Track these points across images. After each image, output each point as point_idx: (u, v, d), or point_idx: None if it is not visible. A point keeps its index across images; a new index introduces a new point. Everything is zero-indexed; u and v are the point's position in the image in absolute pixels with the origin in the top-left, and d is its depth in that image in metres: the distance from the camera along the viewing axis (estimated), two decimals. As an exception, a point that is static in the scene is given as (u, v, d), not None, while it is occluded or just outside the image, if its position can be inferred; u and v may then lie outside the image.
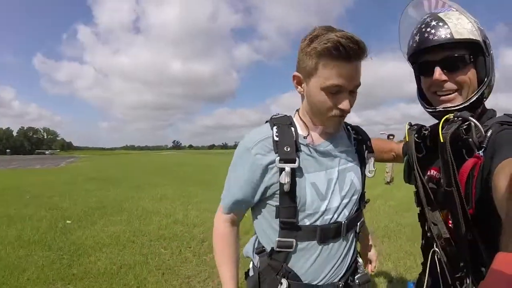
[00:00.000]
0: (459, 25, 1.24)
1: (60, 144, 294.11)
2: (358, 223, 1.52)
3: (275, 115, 1.47)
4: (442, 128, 1.22)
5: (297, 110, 1.49)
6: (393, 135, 16.54)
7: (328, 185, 1.38)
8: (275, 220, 1.38)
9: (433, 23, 1.28)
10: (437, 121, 1.31)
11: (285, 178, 1.26)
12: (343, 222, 1.40)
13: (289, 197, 1.31)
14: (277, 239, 1.36)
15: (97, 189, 13.49)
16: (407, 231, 6.83)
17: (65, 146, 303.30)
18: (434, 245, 1.33)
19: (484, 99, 1.32)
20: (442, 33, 1.24)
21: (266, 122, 1.47)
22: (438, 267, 1.33)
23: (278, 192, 1.34)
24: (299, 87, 1.39)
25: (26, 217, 8.06)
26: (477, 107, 1.31)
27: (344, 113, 1.32)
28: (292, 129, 1.37)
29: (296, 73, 1.36)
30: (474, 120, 1.18)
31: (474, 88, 1.28)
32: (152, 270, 4.73)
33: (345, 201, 1.42)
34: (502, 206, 0.87)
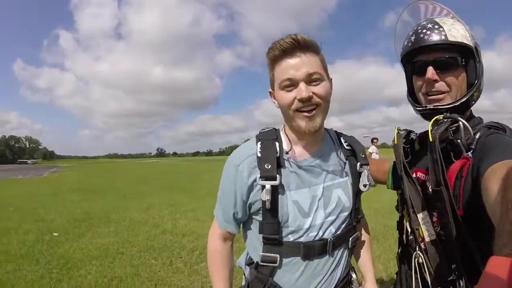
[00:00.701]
0: (453, 29, 1.29)
1: (42, 153, 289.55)
2: (350, 239, 1.50)
3: (263, 130, 1.48)
4: (432, 128, 1.24)
5: (284, 124, 1.49)
6: (376, 138, 16.80)
7: (311, 202, 1.37)
8: (259, 235, 1.39)
9: (429, 25, 1.33)
10: (425, 129, 1.35)
11: (265, 196, 1.27)
12: (329, 239, 1.39)
13: (271, 214, 1.33)
14: (260, 253, 1.38)
15: (82, 199, 13.34)
16: (394, 232, 6.82)
17: (47, 155, 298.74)
18: (417, 248, 1.34)
19: (473, 102, 1.35)
20: (437, 35, 1.29)
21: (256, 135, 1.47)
22: (418, 273, 1.35)
23: (261, 208, 1.35)
24: (275, 101, 1.42)
25: (11, 230, 7.93)
26: (465, 109, 1.34)
27: (304, 101, 1.27)
28: (277, 144, 1.38)
29: (269, 89, 1.45)
30: (464, 121, 1.21)
31: (464, 91, 1.32)
32: (144, 282, 4.70)
33: (331, 218, 1.41)
34: (493, 210, 0.88)
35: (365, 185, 1.47)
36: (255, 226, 1.43)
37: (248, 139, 1.53)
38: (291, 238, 1.36)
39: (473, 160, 1.15)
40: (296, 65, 1.26)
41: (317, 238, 1.37)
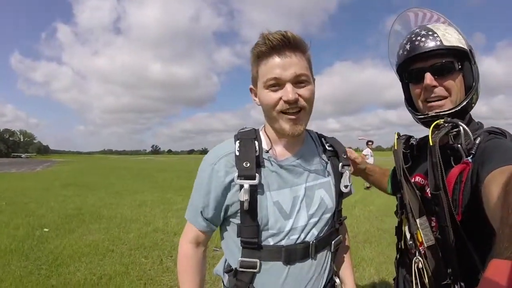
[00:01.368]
0: (447, 34, 1.30)
1: (36, 147, 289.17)
2: (333, 242, 1.45)
3: (242, 129, 1.42)
4: (432, 133, 1.24)
5: (264, 124, 1.45)
6: (371, 141, 16.88)
7: (293, 204, 1.32)
8: (238, 239, 1.33)
9: (423, 32, 1.33)
10: (424, 134, 1.38)
11: (243, 196, 1.21)
12: (311, 242, 1.34)
13: (250, 216, 1.27)
14: (239, 259, 1.32)
15: (74, 195, 13.29)
16: (387, 236, 6.95)
17: (42, 150, 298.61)
18: (416, 254, 1.34)
19: (473, 105, 1.34)
20: (432, 41, 1.29)
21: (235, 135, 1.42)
22: (418, 278, 1.34)
23: (239, 210, 1.29)
24: (256, 99, 1.38)
25: (2, 224, 7.91)
26: (465, 114, 1.34)
27: (290, 104, 1.24)
28: (256, 143, 1.33)
29: (251, 86, 1.40)
30: (464, 126, 1.21)
31: (463, 94, 1.32)
32: (134, 281, 4.68)
33: (313, 220, 1.35)
34: (494, 215, 0.88)
35: (346, 186, 1.44)
36: (232, 230, 1.37)
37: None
38: (271, 241, 1.30)
39: (473, 165, 1.15)
40: (284, 65, 1.22)
41: (299, 241, 1.32)
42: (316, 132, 1.59)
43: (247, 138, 1.35)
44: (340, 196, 1.47)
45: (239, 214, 1.30)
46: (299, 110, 1.27)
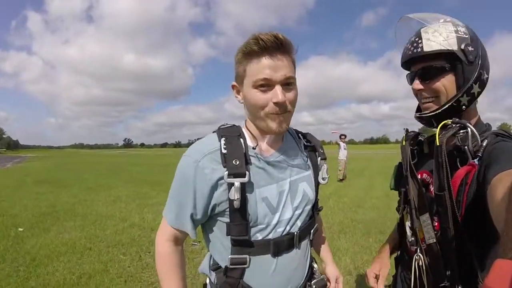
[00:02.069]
0: (432, 38, 1.31)
1: (6, 142, 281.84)
2: (312, 231, 1.52)
3: (223, 125, 1.42)
4: (440, 133, 1.27)
5: (246, 121, 1.46)
6: (344, 135, 17.05)
7: (279, 198, 1.35)
8: (227, 237, 1.33)
9: (412, 39, 1.38)
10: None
11: (234, 194, 1.21)
12: (295, 233, 1.39)
13: (240, 214, 1.27)
14: (229, 256, 1.32)
15: (47, 192, 13.03)
16: (361, 226, 7.18)
17: (11, 145, 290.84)
18: (417, 251, 1.37)
19: (464, 107, 1.32)
20: (416, 48, 1.34)
21: (213, 132, 1.42)
22: (417, 275, 1.37)
23: (228, 209, 1.28)
24: (238, 96, 1.39)
25: (-26, 225, 7.70)
26: (456, 114, 1.33)
27: (279, 106, 1.26)
28: (241, 140, 1.33)
29: (234, 83, 1.39)
30: (472, 128, 1.22)
31: (452, 96, 1.33)
32: (114, 278, 4.68)
33: (297, 212, 1.41)
34: (498, 216, 0.90)
35: (323, 178, 1.52)
36: (219, 228, 1.36)
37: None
38: (259, 236, 1.32)
39: (478, 167, 1.17)
40: (276, 67, 1.24)
41: (284, 233, 1.36)
42: (293, 128, 1.63)
43: (232, 135, 1.34)
44: (317, 187, 1.54)
45: (227, 213, 1.29)
46: (284, 112, 1.29)
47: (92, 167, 30.30)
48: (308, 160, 1.54)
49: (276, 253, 1.35)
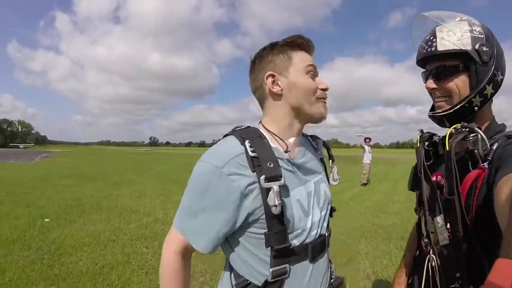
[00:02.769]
0: (446, 37, 1.30)
1: (34, 138, 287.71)
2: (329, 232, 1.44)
3: (238, 127, 1.30)
4: (450, 137, 1.25)
5: (260, 122, 1.36)
6: (369, 138, 16.86)
7: (308, 200, 1.26)
8: (263, 250, 1.18)
9: (427, 37, 1.37)
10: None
11: (274, 199, 1.07)
12: (326, 235, 1.34)
13: (278, 220, 1.13)
14: (271, 269, 1.16)
15: (73, 185, 13.35)
16: (382, 231, 7.08)
17: (39, 140, 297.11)
18: (430, 252, 1.34)
19: (476, 108, 1.30)
20: (430, 47, 1.33)
21: (227, 135, 1.28)
22: (430, 276, 1.35)
23: (263, 217, 1.13)
24: (276, 87, 1.28)
25: (3, 215, 7.94)
26: (469, 115, 1.32)
27: (325, 93, 1.33)
28: (266, 141, 1.21)
29: (270, 72, 1.28)
30: (480, 132, 1.20)
31: (465, 96, 1.31)
32: (135, 270, 4.74)
33: (323, 212, 1.34)
34: (503, 215, 0.89)
35: (335, 179, 1.48)
36: (252, 241, 1.19)
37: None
38: (297, 242, 1.20)
39: (488, 171, 1.16)
40: (315, 62, 1.32)
41: (317, 235, 1.28)
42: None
43: (255, 136, 1.21)
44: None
45: (261, 221, 1.15)
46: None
47: (118, 163, 30.84)
48: (320, 161, 1.52)
49: (313, 258, 1.25)
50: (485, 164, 1.18)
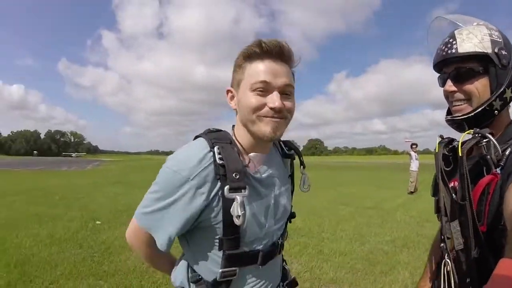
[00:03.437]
0: (466, 40, 1.29)
1: (86, 147, 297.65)
2: (285, 236, 1.51)
3: (211, 131, 1.30)
4: (463, 142, 1.25)
5: (233, 128, 1.37)
6: (416, 144, 16.35)
7: (265, 213, 1.30)
8: (217, 252, 1.23)
9: (447, 39, 1.35)
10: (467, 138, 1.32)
11: (237, 210, 1.11)
12: (280, 242, 1.40)
13: (234, 228, 1.17)
14: (220, 270, 1.22)
15: (124, 192, 13.81)
16: (426, 241, 6.83)
17: (91, 150, 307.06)
18: (445, 256, 1.34)
19: (496, 112, 1.28)
20: (450, 49, 1.32)
21: (197, 137, 1.29)
22: (446, 281, 1.34)
23: (220, 224, 1.18)
24: (231, 102, 1.32)
25: (57, 217, 8.35)
26: (489, 118, 1.30)
27: (276, 111, 1.20)
28: (236, 149, 1.22)
29: (229, 87, 1.33)
30: (492, 138, 1.19)
31: (485, 99, 1.29)
32: (179, 270, 4.83)
33: (279, 224, 1.40)
34: (511, 218, 0.92)
35: (305, 187, 1.51)
36: (207, 242, 1.25)
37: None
38: (248, 249, 1.26)
39: (501, 177, 1.14)
40: (276, 72, 1.20)
41: (270, 243, 1.34)
42: None
43: (226, 142, 1.23)
44: (292, 196, 1.55)
45: (218, 227, 1.19)
46: (280, 117, 1.23)
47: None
48: (288, 170, 1.53)
49: (263, 263, 1.31)
50: (497, 169, 1.17)
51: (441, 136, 1.51)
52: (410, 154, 16.11)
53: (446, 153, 1.42)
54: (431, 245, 1.78)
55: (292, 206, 1.52)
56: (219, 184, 1.14)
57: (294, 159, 1.53)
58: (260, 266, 1.30)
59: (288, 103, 1.23)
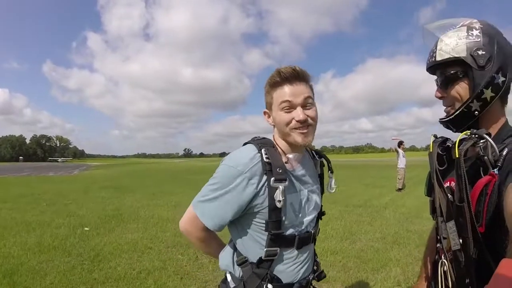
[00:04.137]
0: (444, 47, 1.32)
1: (72, 152, 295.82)
2: (317, 231, 1.75)
3: (257, 138, 1.62)
4: (460, 143, 1.25)
5: (274, 135, 1.67)
6: (402, 142, 16.45)
7: (300, 204, 1.58)
8: (262, 233, 1.51)
9: (433, 48, 1.39)
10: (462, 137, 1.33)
11: (279, 195, 1.40)
12: (313, 232, 1.65)
13: (277, 212, 1.45)
14: (265, 249, 1.50)
15: (112, 197, 13.71)
16: (416, 237, 6.95)
17: (77, 154, 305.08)
18: (442, 257, 1.36)
19: (476, 113, 1.32)
20: (431, 57, 1.38)
21: (246, 143, 1.60)
22: (443, 281, 1.36)
23: (266, 209, 1.46)
24: (269, 120, 1.63)
25: (45, 223, 8.27)
26: (468, 121, 1.35)
27: (301, 123, 1.48)
28: (277, 151, 1.54)
29: (265, 110, 1.64)
30: (489, 139, 1.20)
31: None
32: (171, 275, 4.85)
33: (311, 215, 1.65)
34: (510, 218, 0.91)
35: (332, 188, 1.79)
36: (255, 225, 1.52)
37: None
38: (287, 232, 1.53)
39: (498, 177, 1.14)
40: (295, 92, 1.48)
41: (305, 230, 1.60)
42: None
43: (270, 146, 1.53)
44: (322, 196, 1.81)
45: (264, 212, 1.48)
46: (307, 126, 1.51)
47: (154, 175, 31.33)
48: (320, 174, 1.79)
49: (298, 247, 1.57)
50: (495, 170, 1.17)
51: (434, 136, 1.54)
52: (397, 152, 16.16)
53: (440, 152, 1.45)
54: (426, 245, 1.78)
55: (322, 205, 1.78)
56: (265, 177, 1.44)
57: (324, 165, 1.81)
58: (297, 251, 1.56)
59: (309, 112, 1.51)
